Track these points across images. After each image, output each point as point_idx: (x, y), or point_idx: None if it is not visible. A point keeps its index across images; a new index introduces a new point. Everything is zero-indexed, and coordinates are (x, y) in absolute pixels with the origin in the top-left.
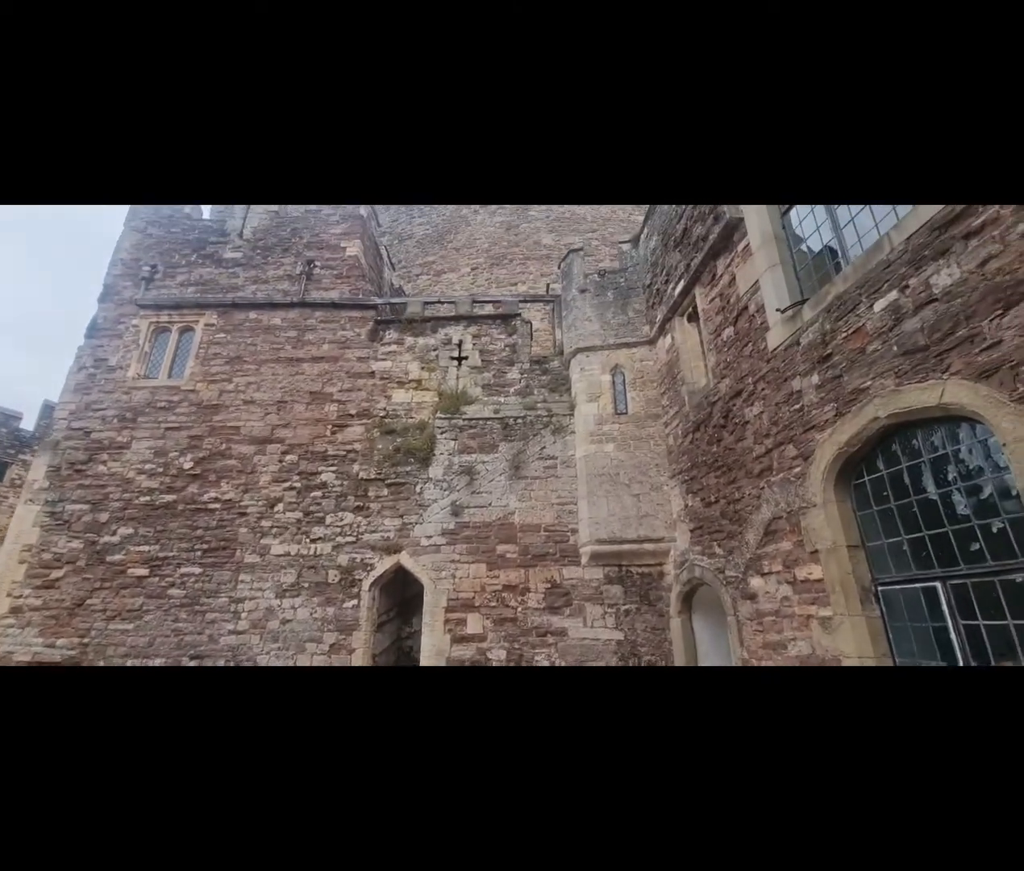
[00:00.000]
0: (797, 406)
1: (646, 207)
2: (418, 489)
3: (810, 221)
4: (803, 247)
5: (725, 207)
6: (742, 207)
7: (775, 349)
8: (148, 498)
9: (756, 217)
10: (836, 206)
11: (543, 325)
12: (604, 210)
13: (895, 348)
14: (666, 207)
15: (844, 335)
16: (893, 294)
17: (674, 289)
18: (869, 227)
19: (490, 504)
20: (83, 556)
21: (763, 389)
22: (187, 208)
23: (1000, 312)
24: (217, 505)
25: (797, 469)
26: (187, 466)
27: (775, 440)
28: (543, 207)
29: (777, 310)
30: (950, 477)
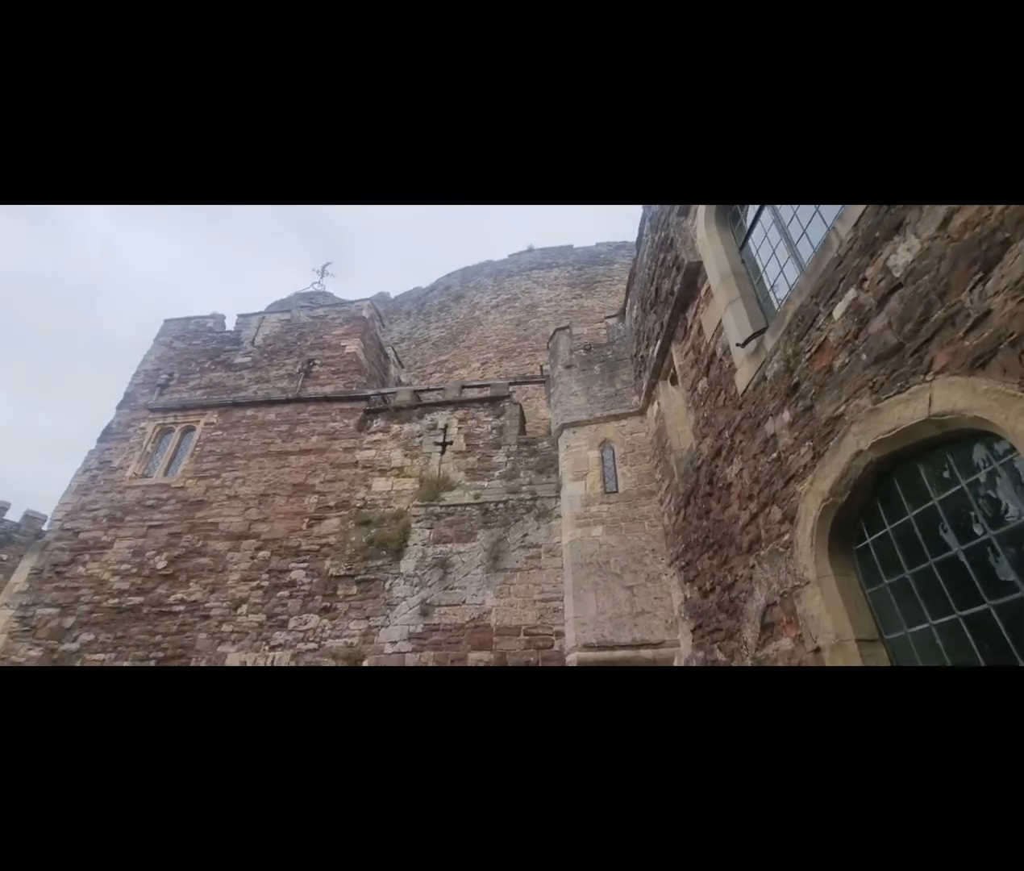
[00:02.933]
0: (774, 454)
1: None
2: (387, 585)
3: (767, 247)
4: (764, 275)
5: (684, 254)
6: (699, 248)
7: (744, 391)
8: (117, 600)
9: (713, 256)
10: (788, 223)
11: (548, 412)
12: (613, 302)
13: (864, 357)
14: (641, 275)
15: (808, 356)
16: (851, 293)
17: (653, 351)
18: (821, 232)
19: (464, 602)
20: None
21: (740, 441)
22: (210, 321)
23: (979, 276)
24: (182, 607)
25: (785, 536)
26: (160, 566)
27: (759, 502)
28: (552, 305)
29: (737, 345)
30: (974, 522)
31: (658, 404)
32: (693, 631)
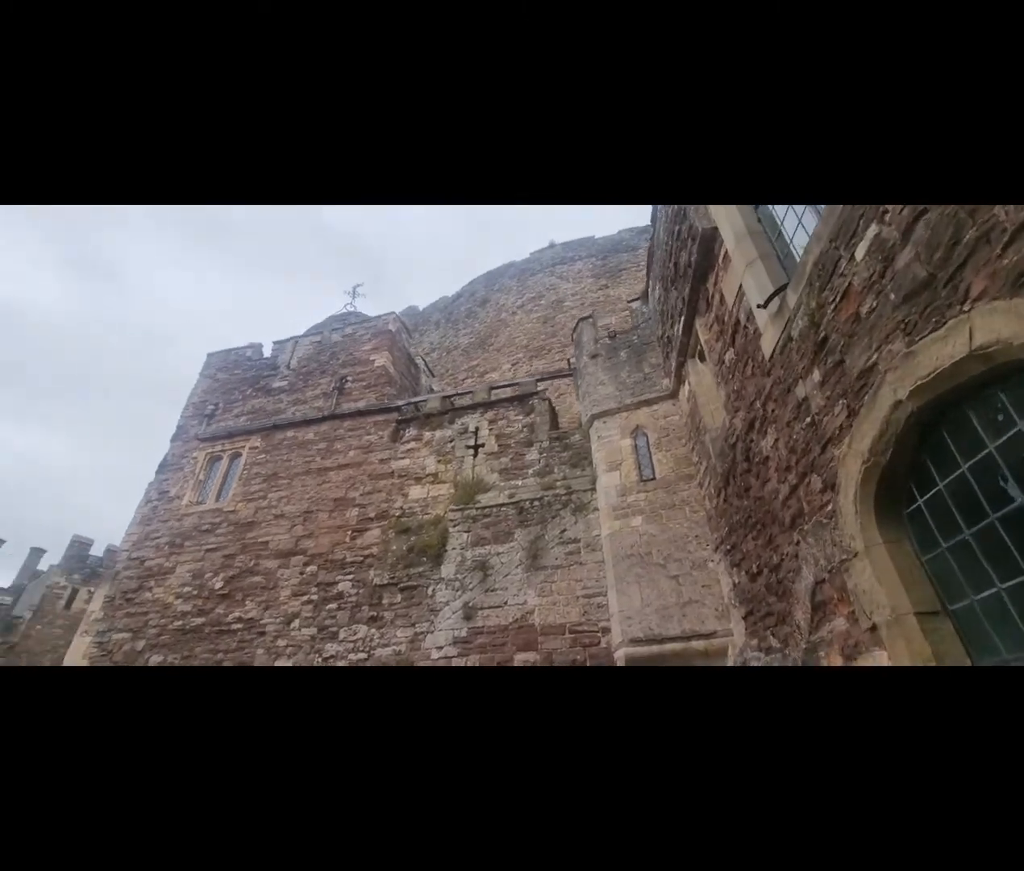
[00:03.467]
0: (808, 419)
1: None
2: (430, 591)
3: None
4: (782, 230)
5: (697, 221)
6: (712, 213)
7: (771, 356)
8: (181, 622)
9: (727, 218)
10: None
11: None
12: (640, 288)
13: (893, 297)
14: (659, 253)
15: (833, 306)
16: (872, 229)
17: (677, 330)
18: None
19: (506, 603)
20: None
21: (772, 410)
22: (248, 350)
23: None
24: (239, 625)
25: (828, 506)
26: (218, 586)
27: (798, 473)
28: (577, 298)
29: (758, 307)
30: None
31: (688, 384)
32: (745, 618)
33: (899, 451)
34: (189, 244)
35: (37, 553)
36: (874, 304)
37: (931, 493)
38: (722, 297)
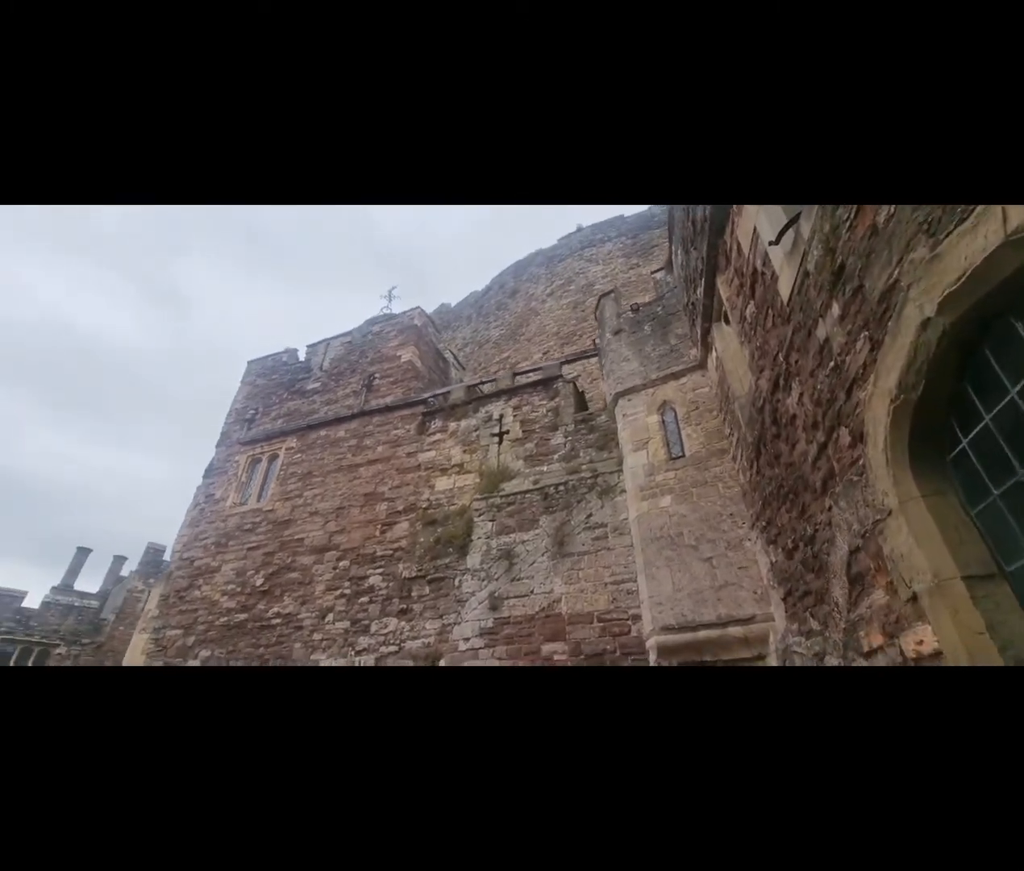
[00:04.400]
0: (831, 363)
1: None
2: (456, 582)
3: None
4: None
5: None
6: None
7: (789, 299)
8: (226, 618)
9: None
10: None
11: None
12: None
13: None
14: (679, 213)
15: (848, 224)
16: None
17: (700, 292)
18: None
19: (532, 592)
20: None
21: (796, 360)
22: (284, 355)
23: None
24: (279, 620)
25: (859, 461)
26: (259, 583)
27: (825, 428)
28: (608, 280)
29: (771, 244)
30: None
31: (715, 351)
32: (784, 600)
33: (933, 382)
34: (242, 263)
35: (119, 560)
36: (891, 210)
37: (977, 430)
38: (739, 247)
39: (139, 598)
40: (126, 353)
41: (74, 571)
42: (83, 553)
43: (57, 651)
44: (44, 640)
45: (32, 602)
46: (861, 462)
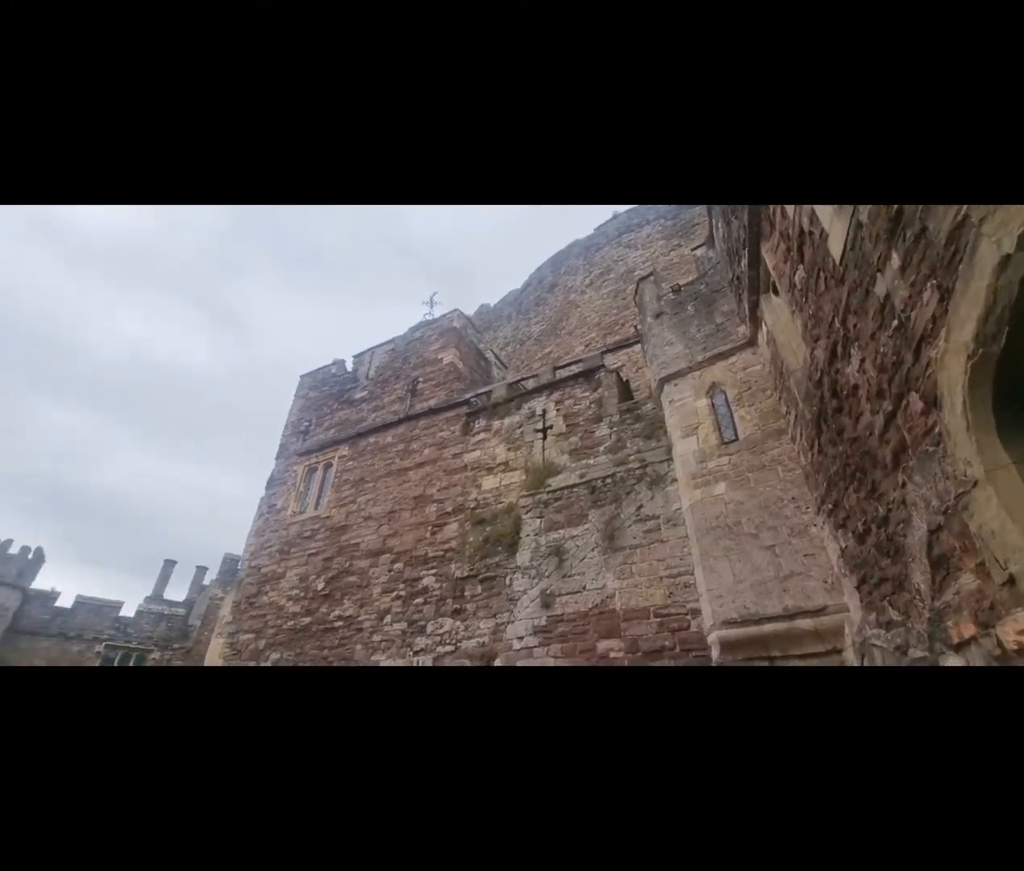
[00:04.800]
0: (894, 322)
1: None
2: (507, 581)
3: None
4: None
5: None
6: None
7: (842, 257)
8: (292, 622)
9: None
10: None
11: None
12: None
13: None
14: None
15: None
16: None
17: (744, 264)
18: None
19: (584, 588)
20: None
21: (854, 324)
22: (333, 367)
23: None
24: (340, 623)
25: (935, 429)
26: (320, 587)
27: (893, 396)
28: (648, 265)
29: None
30: None
31: (765, 325)
32: (859, 588)
33: (1018, 330)
34: (296, 280)
35: (202, 570)
36: None
37: None
38: (783, 209)
39: (219, 604)
40: (193, 375)
41: (163, 581)
42: (169, 565)
43: (152, 656)
44: (140, 646)
45: (128, 611)
46: (937, 430)
